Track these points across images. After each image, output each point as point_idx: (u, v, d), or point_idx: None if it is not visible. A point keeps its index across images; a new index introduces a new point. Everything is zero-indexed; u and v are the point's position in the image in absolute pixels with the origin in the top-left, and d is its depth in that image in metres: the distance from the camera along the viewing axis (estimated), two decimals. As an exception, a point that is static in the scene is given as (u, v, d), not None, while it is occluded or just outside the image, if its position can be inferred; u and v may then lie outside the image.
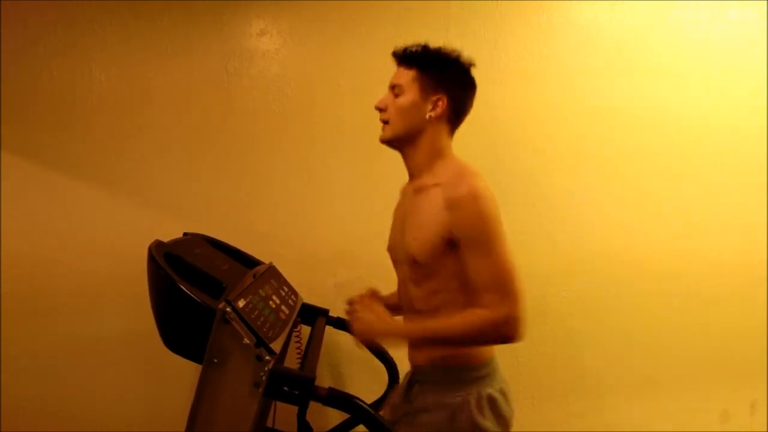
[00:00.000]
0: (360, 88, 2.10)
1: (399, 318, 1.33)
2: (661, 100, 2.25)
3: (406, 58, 1.31)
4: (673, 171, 2.26)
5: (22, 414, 2.06)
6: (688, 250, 2.28)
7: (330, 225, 2.13)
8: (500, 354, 1.31)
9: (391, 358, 1.80)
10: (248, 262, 1.79)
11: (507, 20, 2.17)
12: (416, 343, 1.22)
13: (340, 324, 1.83)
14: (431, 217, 1.21)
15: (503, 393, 1.28)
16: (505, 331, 1.12)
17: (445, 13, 2.13)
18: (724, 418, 2.33)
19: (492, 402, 1.24)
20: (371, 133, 2.06)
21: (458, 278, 1.21)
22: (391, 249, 1.40)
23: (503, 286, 1.13)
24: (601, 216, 2.24)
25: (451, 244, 1.19)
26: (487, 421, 1.23)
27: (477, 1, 2.15)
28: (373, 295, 1.49)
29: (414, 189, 1.32)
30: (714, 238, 2.29)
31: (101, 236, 2.06)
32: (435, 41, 1.29)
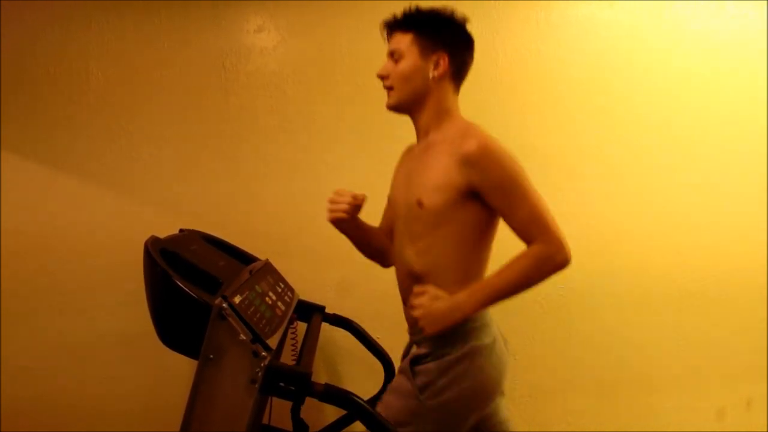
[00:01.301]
0: (357, 84, 2.10)
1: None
2: (658, 97, 2.24)
3: (401, 22, 1.31)
4: (671, 168, 2.25)
5: (22, 414, 2.06)
6: (686, 248, 2.27)
7: (326, 222, 2.12)
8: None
9: (386, 354, 1.80)
10: (244, 258, 1.79)
11: (504, 18, 2.16)
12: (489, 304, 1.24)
13: (336, 320, 1.83)
14: (443, 170, 1.24)
15: (500, 340, 1.33)
16: (561, 258, 1.20)
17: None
18: (720, 416, 2.34)
19: (491, 348, 1.28)
20: (369, 129, 2.09)
21: (452, 238, 1.26)
22: (394, 204, 1.41)
23: (545, 220, 1.21)
24: (599, 214, 2.23)
25: (465, 198, 1.22)
26: (491, 368, 1.28)
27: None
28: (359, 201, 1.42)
29: (422, 148, 1.34)
30: (712, 236, 2.28)
31: (98, 233, 2.06)
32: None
